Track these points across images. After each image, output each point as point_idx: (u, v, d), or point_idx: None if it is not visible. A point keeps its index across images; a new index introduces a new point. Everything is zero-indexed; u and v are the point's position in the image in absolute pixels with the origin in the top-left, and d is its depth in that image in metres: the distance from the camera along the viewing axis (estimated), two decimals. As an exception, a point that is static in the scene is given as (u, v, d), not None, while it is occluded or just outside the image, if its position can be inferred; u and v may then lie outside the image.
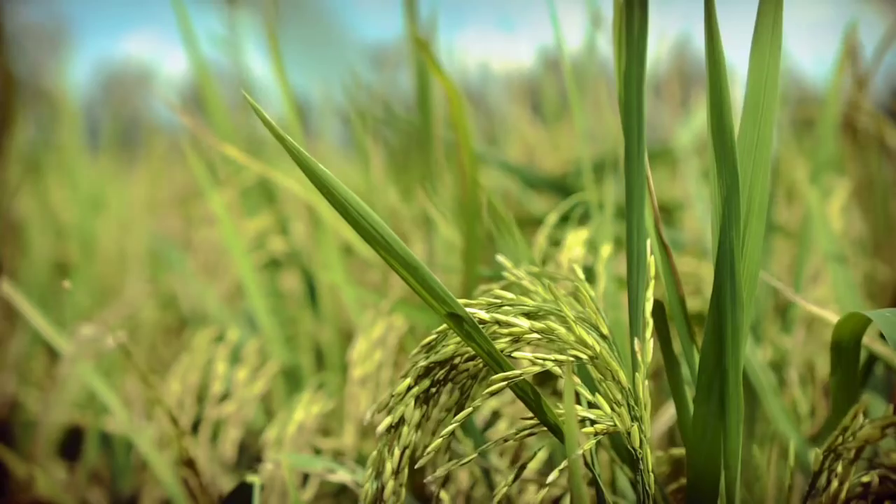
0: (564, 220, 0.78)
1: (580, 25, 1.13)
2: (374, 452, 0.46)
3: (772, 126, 0.46)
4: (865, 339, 0.60)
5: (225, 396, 0.81)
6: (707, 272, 0.86)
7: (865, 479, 0.47)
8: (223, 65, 1.16)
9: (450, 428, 0.44)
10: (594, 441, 0.44)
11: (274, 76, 0.90)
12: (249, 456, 0.87)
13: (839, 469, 0.47)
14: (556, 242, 0.75)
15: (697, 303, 0.84)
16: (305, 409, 0.75)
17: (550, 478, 0.44)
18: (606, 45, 1.06)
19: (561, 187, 0.96)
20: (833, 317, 0.62)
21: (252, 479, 0.61)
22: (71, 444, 1.03)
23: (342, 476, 0.60)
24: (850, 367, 0.52)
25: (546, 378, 0.64)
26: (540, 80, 1.30)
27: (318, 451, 0.77)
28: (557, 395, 0.65)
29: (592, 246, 0.71)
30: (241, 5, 1.07)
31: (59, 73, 1.42)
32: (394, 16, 0.88)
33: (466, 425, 0.62)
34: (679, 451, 0.58)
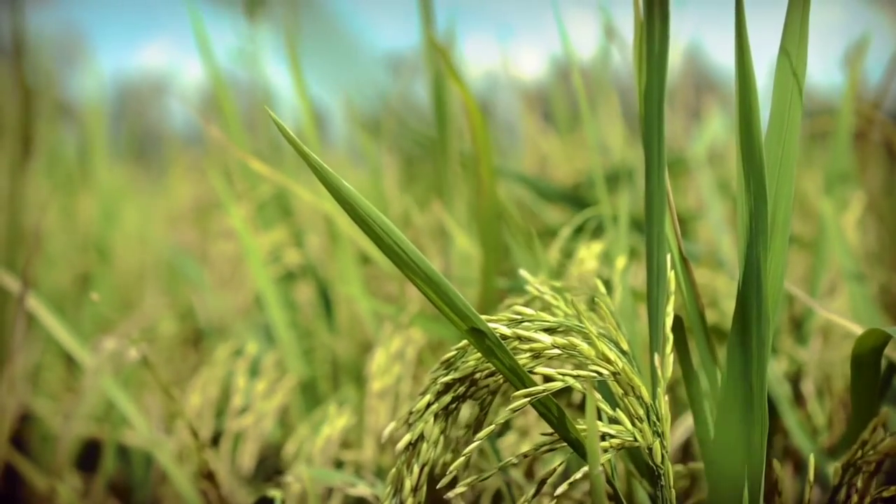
0: (578, 231, 0.79)
1: (591, 34, 1.13)
2: (393, 470, 0.46)
3: (796, 142, 0.47)
4: (887, 350, 0.60)
5: (244, 409, 0.82)
6: (722, 284, 0.86)
7: (887, 493, 0.47)
8: (239, 76, 1.16)
9: (473, 445, 0.44)
10: (611, 455, 0.44)
11: (293, 87, 0.91)
12: (267, 469, 0.88)
13: (859, 483, 0.47)
14: (569, 255, 0.75)
15: (714, 315, 0.84)
16: (332, 424, 0.75)
17: (559, 490, 0.44)
18: (619, 56, 1.06)
19: (574, 199, 0.96)
20: (855, 327, 0.62)
21: (273, 493, 0.62)
22: (88, 457, 1.04)
23: (362, 490, 0.60)
24: (870, 382, 0.53)
25: (561, 391, 0.64)
26: (551, 89, 1.31)
27: (340, 464, 0.77)
28: (572, 407, 0.65)
29: (607, 258, 0.71)
30: (259, 16, 1.08)
31: (85, 84, 1.43)
32: (409, 24, 0.89)
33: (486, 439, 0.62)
34: (698, 466, 0.58)
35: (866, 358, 0.51)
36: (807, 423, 0.80)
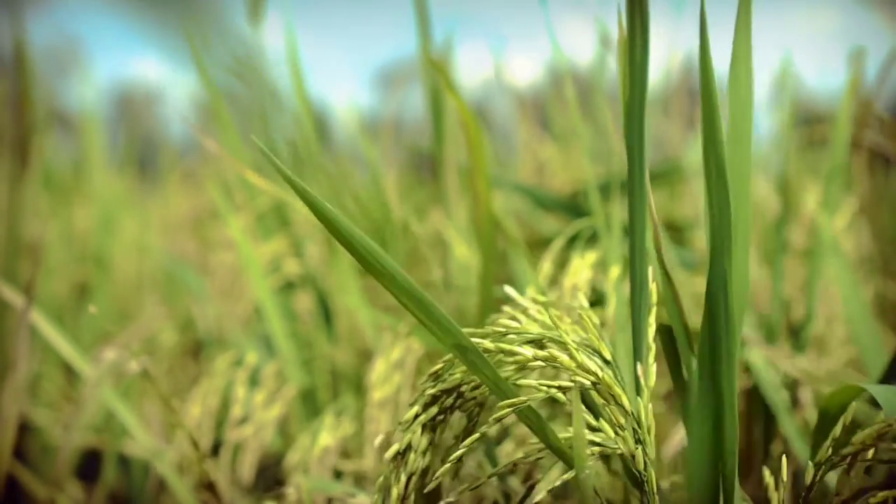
0: (572, 241, 0.79)
1: (589, 40, 1.14)
2: (381, 478, 0.47)
3: (749, 155, 0.47)
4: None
5: (244, 419, 0.82)
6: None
7: (873, 500, 0.47)
8: (238, 81, 1.16)
9: (457, 453, 0.45)
10: (593, 462, 0.45)
11: (294, 94, 0.91)
12: (267, 479, 0.88)
13: (833, 480, 0.48)
14: (563, 265, 0.76)
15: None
16: (330, 434, 0.76)
17: (539, 496, 0.45)
18: (616, 65, 1.06)
19: (572, 207, 0.96)
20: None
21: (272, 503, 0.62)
22: (88, 466, 1.04)
23: (361, 500, 0.61)
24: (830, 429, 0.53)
25: (552, 400, 0.65)
26: (548, 96, 1.31)
27: (339, 474, 0.78)
28: (563, 416, 0.66)
29: (603, 267, 0.72)
30: (259, 20, 1.08)
31: (82, 93, 1.43)
32: (409, 31, 0.89)
33: (483, 449, 0.63)
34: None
35: (833, 412, 0.52)
36: (805, 429, 0.80)
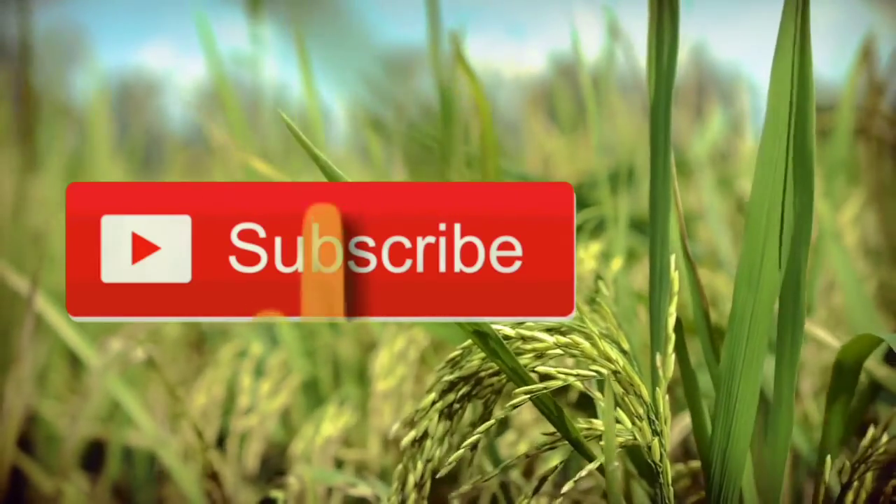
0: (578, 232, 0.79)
1: (594, 33, 1.14)
2: (399, 466, 0.47)
3: (813, 148, 0.46)
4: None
5: (248, 409, 0.82)
6: (722, 284, 0.86)
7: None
8: (241, 74, 1.16)
9: (472, 439, 0.45)
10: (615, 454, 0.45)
11: (301, 84, 0.91)
12: (271, 469, 0.88)
13: (868, 481, 0.48)
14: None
15: (713, 315, 0.84)
16: (332, 423, 0.76)
17: (566, 488, 0.45)
18: (623, 56, 1.06)
19: (577, 198, 0.96)
20: (835, 342, 0.63)
21: (276, 493, 0.62)
22: (93, 457, 1.04)
23: (363, 490, 0.61)
24: (849, 387, 0.53)
25: (559, 391, 0.65)
26: (554, 86, 1.31)
27: (341, 464, 0.78)
28: (570, 406, 0.66)
29: (606, 259, 0.72)
30: (262, 12, 1.08)
31: (87, 84, 1.43)
32: (411, 21, 0.89)
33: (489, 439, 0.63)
34: (698, 465, 0.59)
35: (848, 364, 0.52)
36: (804, 420, 0.80)
